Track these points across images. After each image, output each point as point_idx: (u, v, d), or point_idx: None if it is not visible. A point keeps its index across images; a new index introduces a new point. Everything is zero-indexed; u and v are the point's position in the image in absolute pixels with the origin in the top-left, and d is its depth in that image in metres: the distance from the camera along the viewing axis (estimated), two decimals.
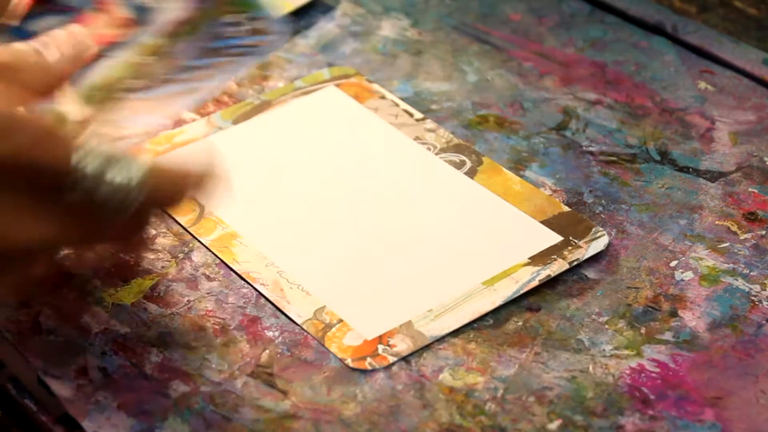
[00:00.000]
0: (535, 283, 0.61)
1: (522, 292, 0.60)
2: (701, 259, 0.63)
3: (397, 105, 0.72)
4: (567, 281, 0.61)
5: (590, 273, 0.62)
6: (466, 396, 0.56)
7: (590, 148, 0.69)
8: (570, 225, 0.64)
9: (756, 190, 0.67)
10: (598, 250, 0.63)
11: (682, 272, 0.62)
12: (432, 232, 0.64)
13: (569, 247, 0.63)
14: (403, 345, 0.58)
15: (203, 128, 0.71)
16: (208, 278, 0.61)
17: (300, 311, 0.60)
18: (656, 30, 0.78)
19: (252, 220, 0.65)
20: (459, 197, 0.66)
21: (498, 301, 0.60)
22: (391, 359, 0.58)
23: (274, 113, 0.72)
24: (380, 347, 0.58)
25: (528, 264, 0.62)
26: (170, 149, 0.69)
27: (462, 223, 0.65)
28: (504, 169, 0.68)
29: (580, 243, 0.63)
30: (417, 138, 0.70)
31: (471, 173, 0.67)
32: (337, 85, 0.74)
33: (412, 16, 0.80)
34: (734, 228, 0.65)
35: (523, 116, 0.72)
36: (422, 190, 0.67)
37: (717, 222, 0.65)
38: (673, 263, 0.63)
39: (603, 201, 0.66)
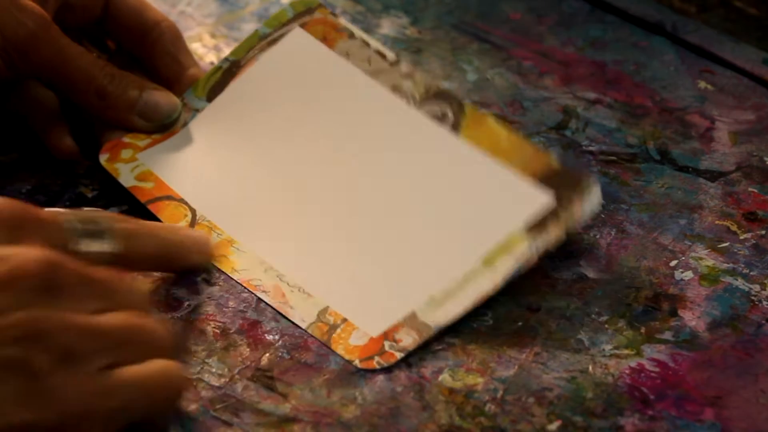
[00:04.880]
0: (534, 258, 0.60)
1: (522, 270, 0.59)
2: (701, 258, 0.63)
3: (368, 45, 0.69)
4: (567, 281, 0.61)
5: (590, 273, 0.62)
6: (465, 397, 0.56)
7: (590, 148, 0.69)
8: (561, 181, 0.62)
9: (756, 190, 0.67)
10: (592, 209, 0.61)
11: (682, 272, 0.62)
12: (425, 208, 0.62)
13: (563, 211, 0.61)
14: (408, 339, 0.58)
15: (181, 114, 0.68)
16: (209, 283, 0.61)
17: (303, 315, 0.59)
18: (656, 29, 0.78)
19: (243, 218, 0.63)
20: (447, 164, 0.64)
21: (499, 281, 0.59)
22: (399, 355, 0.57)
23: (245, 78, 0.69)
24: (386, 344, 0.58)
25: (525, 237, 0.60)
26: (151, 144, 0.67)
27: (453, 194, 0.63)
28: (488, 117, 0.65)
29: (574, 203, 0.61)
30: (394, 88, 0.67)
31: (455, 128, 0.65)
32: (303, 25, 0.70)
33: (411, 14, 0.80)
34: (734, 228, 0.65)
35: (523, 115, 0.72)
36: (410, 162, 0.64)
37: (717, 222, 0.65)
38: (673, 263, 0.63)
39: (603, 200, 0.66)
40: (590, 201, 0.61)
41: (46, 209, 0.53)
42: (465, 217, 0.62)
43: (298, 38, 0.70)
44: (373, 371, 0.57)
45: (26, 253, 0.50)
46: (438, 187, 0.63)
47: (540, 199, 0.61)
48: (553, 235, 0.60)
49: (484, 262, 0.60)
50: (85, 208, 0.55)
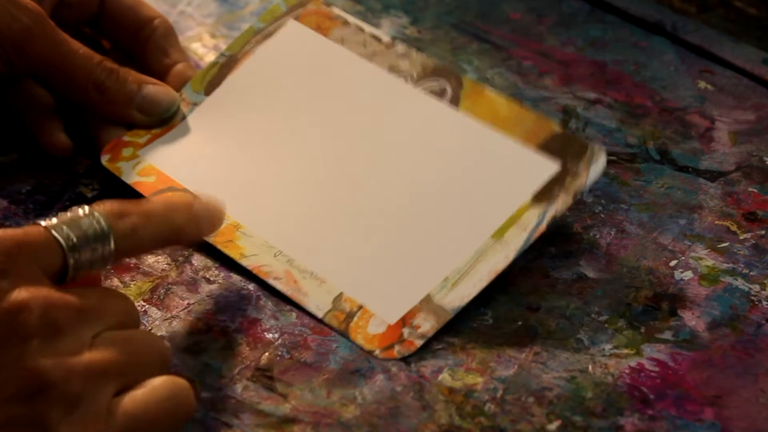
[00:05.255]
0: (543, 227, 0.59)
1: (533, 239, 0.59)
2: (701, 258, 0.63)
3: (362, 30, 0.69)
4: (567, 280, 0.62)
5: (590, 272, 0.62)
6: (465, 397, 0.56)
7: None
8: (565, 147, 0.61)
9: (756, 190, 0.67)
10: (598, 173, 0.60)
11: (682, 272, 0.62)
12: (432, 186, 0.62)
13: (569, 177, 0.61)
14: (427, 324, 0.57)
15: (179, 109, 0.68)
16: (209, 281, 0.61)
17: (319, 303, 0.59)
18: (656, 29, 0.78)
19: (247, 203, 0.63)
20: (450, 139, 0.63)
21: (511, 254, 0.59)
22: (419, 343, 0.57)
23: (242, 71, 0.69)
24: (405, 330, 0.57)
25: (532, 205, 0.60)
26: (150, 139, 0.67)
27: (459, 169, 0.62)
28: (486, 89, 0.65)
29: (579, 168, 0.61)
30: (392, 68, 0.67)
31: (455, 101, 0.65)
32: (297, 18, 0.70)
33: (411, 14, 0.80)
34: (734, 228, 0.65)
35: None
36: (412, 140, 0.64)
37: (716, 222, 0.65)
38: (673, 263, 0.63)
39: (602, 200, 0.66)
40: (596, 165, 0.61)
41: (34, 228, 0.52)
42: (473, 191, 0.62)
43: (292, 29, 0.70)
44: (373, 371, 0.57)
45: (18, 298, 0.49)
46: (443, 164, 0.63)
47: (546, 166, 0.61)
48: (561, 201, 0.60)
49: (494, 236, 0.59)
50: (77, 213, 0.53)
